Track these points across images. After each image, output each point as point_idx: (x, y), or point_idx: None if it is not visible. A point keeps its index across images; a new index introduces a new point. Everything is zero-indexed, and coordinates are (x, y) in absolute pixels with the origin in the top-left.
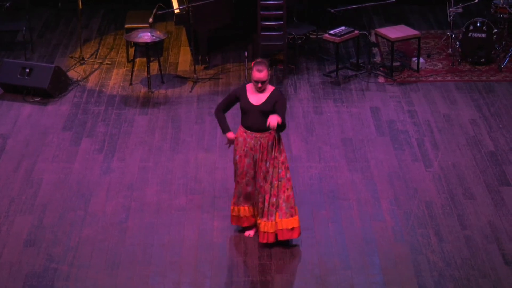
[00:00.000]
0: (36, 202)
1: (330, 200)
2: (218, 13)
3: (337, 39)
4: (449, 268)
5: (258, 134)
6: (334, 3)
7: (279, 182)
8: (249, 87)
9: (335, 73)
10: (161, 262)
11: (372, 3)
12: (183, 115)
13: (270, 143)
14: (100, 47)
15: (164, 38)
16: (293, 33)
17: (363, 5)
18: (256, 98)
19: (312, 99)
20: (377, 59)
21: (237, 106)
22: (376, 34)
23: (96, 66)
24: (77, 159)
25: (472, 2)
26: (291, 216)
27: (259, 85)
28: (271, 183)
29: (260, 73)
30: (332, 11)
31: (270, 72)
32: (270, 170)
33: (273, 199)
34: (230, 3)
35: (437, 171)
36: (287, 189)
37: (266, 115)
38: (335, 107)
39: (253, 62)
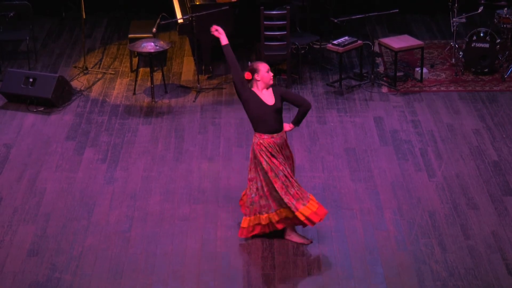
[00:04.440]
0: (40, 211)
1: (333, 209)
2: (221, 23)
3: (340, 49)
4: (452, 278)
5: (281, 133)
6: (337, 13)
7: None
8: (256, 91)
9: (338, 83)
10: (164, 271)
11: (376, 13)
12: (187, 125)
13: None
14: (104, 57)
15: (167, 48)
16: (296, 43)
17: (367, 15)
18: (267, 99)
19: (315, 109)
20: (381, 69)
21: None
22: (380, 44)
23: (99, 75)
24: (81, 168)
25: (476, 12)
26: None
27: (272, 74)
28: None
29: (266, 64)
30: (335, 21)
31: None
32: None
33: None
34: (233, 13)
35: (440, 181)
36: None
37: (280, 112)
38: (338, 117)
39: (253, 66)
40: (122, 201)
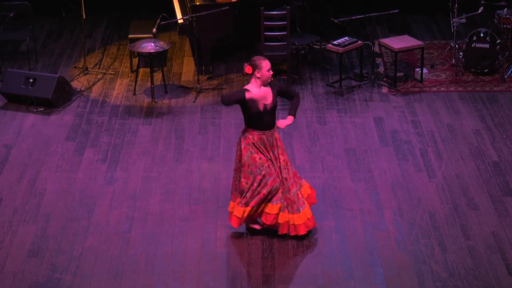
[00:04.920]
0: (40, 212)
1: (333, 210)
2: (221, 24)
3: (340, 49)
4: (452, 279)
5: (273, 130)
6: (337, 13)
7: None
8: (252, 90)
9: (338, 83)
10: (164, 271)
11: (376, 13)
12: (187, 125)
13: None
14: (104, 57)
15: (167, 48)
16: (296, 43)
17: (367, 15)
18: (265, 98)
19: (315, 109)
20: (381, 69)
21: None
22: (380, 45)
23: (99, 76)
24: (81, 169)
25: (476, 13)
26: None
27: (271, 72)
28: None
29: (268, 62)
30: (335, 21)
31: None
32: (286, 159)
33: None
34: (233, 14)
35: (440, 181)
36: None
37: (275, 110)
38: (338, 117)
39: (254, 62)
40: (122, 201)
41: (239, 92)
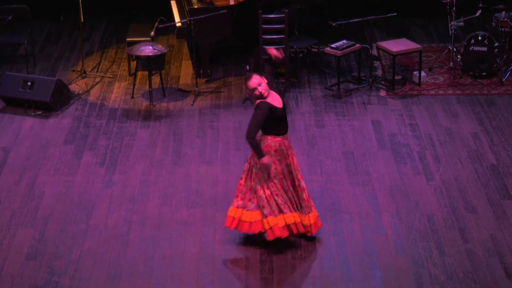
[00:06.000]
0: (38, 215)
1: (332, 213)
2: (219, 27)
3: (338, 53)
4: (450, 282)
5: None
6: (335, 16)
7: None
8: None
9: (336, 86)
10: (162, 275)
11: (374, 17)
12: (185, 129)
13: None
14: (102, 61)
15: (165, 51)
16: (294, 46)
17: (365, 18)
18: (277, 102)
19: (313, 112)
20: (379, 72)
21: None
22: (378, 48)
23: (97, 79)
24: (79, 172)
25: (474, 16)
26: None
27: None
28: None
29: (253, 78)
30: (333, 24)
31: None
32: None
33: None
34: (231, 17)
35: (438, 184)
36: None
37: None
38: (336, 120)
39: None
40: (120, 204)
41: (263, 109)
